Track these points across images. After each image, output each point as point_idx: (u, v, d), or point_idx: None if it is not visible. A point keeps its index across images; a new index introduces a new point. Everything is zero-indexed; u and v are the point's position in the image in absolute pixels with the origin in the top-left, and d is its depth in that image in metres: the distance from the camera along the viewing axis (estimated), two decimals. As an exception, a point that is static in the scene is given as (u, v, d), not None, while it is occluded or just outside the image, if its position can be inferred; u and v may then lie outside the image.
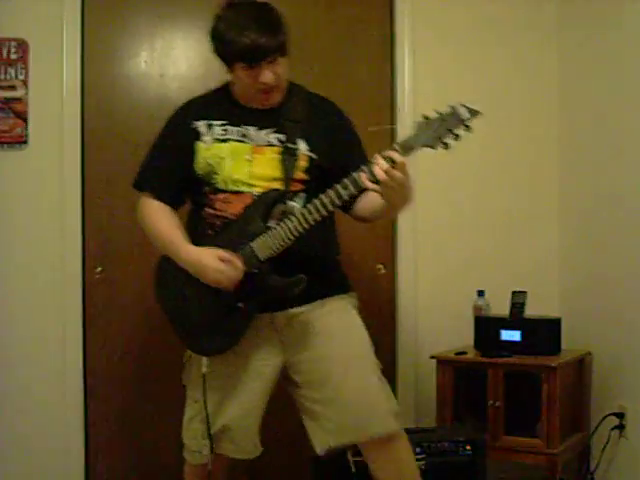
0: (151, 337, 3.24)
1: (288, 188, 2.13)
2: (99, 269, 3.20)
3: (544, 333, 3.06)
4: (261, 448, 2.30)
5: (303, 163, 2.16)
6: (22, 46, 3.12)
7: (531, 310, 3.15)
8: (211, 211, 2.18)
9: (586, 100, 3.26)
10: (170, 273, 2.21)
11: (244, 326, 2.14)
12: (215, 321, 2.15)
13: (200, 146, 2.19)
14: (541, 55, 3.47)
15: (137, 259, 3.24)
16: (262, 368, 2.22)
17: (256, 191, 2.13)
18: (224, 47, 2.12)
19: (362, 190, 2.00)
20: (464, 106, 1.87)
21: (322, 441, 2.19)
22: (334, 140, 2.22)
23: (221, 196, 2.16)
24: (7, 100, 3.11)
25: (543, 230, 3.48)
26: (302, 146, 2.17)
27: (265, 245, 2.06)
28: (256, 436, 2.28)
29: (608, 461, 3.03)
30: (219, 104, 2.24)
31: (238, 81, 2.17)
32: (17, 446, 3.13)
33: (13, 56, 3.11)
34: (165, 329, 3.24)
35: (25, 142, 3.13)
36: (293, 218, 2.03)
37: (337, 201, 1.99)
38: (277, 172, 2.14)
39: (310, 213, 2.02)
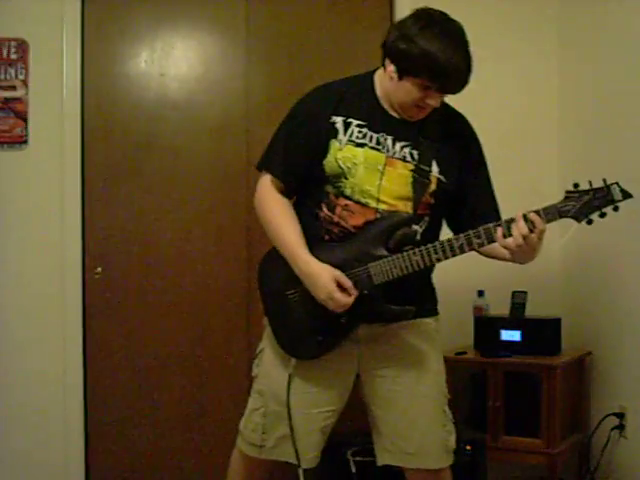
0: (151, 337, 3.24)
1: (416, 211, 2.06)
2: (99, 269, 3.20)
3: (544, 333, 3.06)
4: (319, 458, 2.23)
5: (433, 186, 2.07)
6: (22, 46, 3.12)
7: (531, 310, 3.15)
8: (329, 214, 2.08)
9: (586, 103, 3.26)
10: (279, 269, 2.12)
11: (341, 340, 2.11)
12: (314, 329, 2.10)
13: (334, 145, 2.05)
14: (541, 55, 3.46)
15: (137, 259, 3.24)
16: (334, 377, 2.18)
17: (381, 208, 2.04)
18: (416, 54, 1.91)
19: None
20: (618, 186, 1.87)
21: (382, 457, 2.19)
22: (464, 164, 2.13)
23: (343, 202, 2.06)
24: (7, 100, 3.11)
25: (543, 230, 3.48)
26: (434, 168, 2.07)
27: (382, 271, 2.00)
28: (320, 446, 2.21)
29: (608, 461, 3.03)
30: (361, 101, 2.08)
31: (399, 89, 2.01)
32: (17, 445, 3.13)
33: (13, 56, 3.11)
34: (165, 329, 3.26)
35: (25, 142, 3.13)
36: (417, 252, 1.98)
37: (466, 248, 1.96)
38: (407, 191, 2.05)
39: (435, 252, 1.97)
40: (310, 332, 2.10)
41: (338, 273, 2.00)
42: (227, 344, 3.26)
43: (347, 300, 1.99)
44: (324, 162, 2.05)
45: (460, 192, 2.11)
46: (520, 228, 1.89)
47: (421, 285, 2.19)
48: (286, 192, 2.15)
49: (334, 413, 2.20)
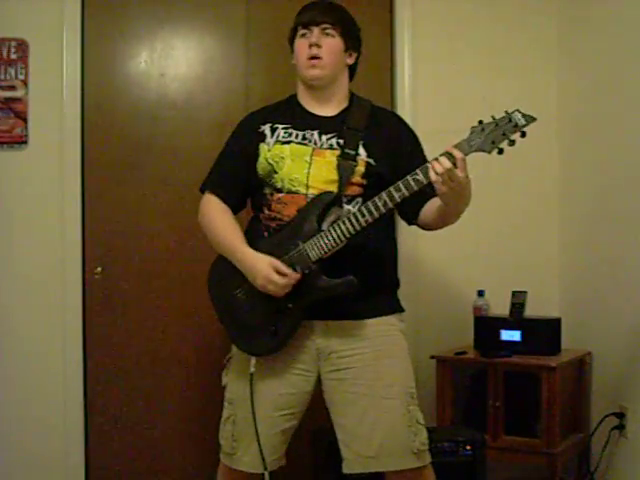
0: (151, 337, 3.25)
1: (343, 191, 2.14)
2: (99, 269, 3.20)
3: (544, 333, 3.06)
4: (284, 461, 2.25)
5: (361, 168, 2.17)
6: (22, 46, 3.12)
7: (531, 310, 3.15)
8: (267, 212, 2.20)
9: (586, 101, 3.26)
10: (223, 273, 2.22)
11: (293, 328, 2.12)
12: (265, 321, 2.13)
13: (263, 148, 2.22)
14: (541, 56, 3.47)
15: (137, 259, 3.24)
16: (295, 379, 2.18)
17: (311, 193, 2.14)
18: (292, 28, 2.28)
19: (420, 198, 2.10)
20: (519, 112, 1.89)
21: (345, 465, 2.18)
22: (395, 150, 2.23)
23: (277, 197, 2.18)
24: (7, 100, 3.11)
25: (543, 230, 3.48)
26: (362, 152, 2.19)
27: (317, 245, 2.06)
28: (281, 448, 2.22)
29: (608, 461, 3.03)
30: (286, 110, 2.29)
31: (295, 55, 2.26)
32: (17, 444, 3.13)
33: (13, 56, 3.11)
34: (164, 329, 3.26)
35: (25, 142, 3.13)
36: (345, 220, 2.04)
37: (389, 203, 2.01)
38: (334, 175, 2.15)
39: (363, 215, 2.02)
40: (262, 324, 2.13)
41: (274, 260, 2.07)
42: (227, 344, 3.25)
43: (285, 281, 2.04)
44: (257, 165, 2.21)
45: (395, 177, 2.12)
46: (442, 162, 1.92)
47: (376, 282, 2.20)
48: (229, 205, 2.28)
49: (295, 415, 2.21)
